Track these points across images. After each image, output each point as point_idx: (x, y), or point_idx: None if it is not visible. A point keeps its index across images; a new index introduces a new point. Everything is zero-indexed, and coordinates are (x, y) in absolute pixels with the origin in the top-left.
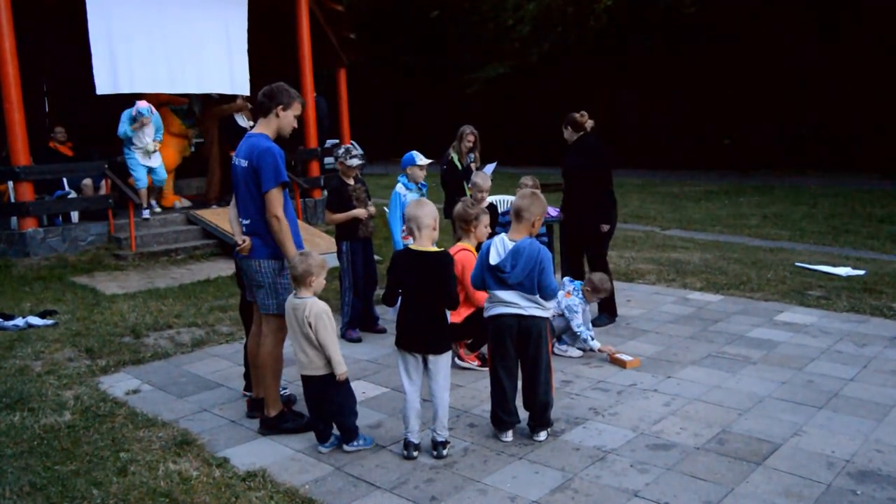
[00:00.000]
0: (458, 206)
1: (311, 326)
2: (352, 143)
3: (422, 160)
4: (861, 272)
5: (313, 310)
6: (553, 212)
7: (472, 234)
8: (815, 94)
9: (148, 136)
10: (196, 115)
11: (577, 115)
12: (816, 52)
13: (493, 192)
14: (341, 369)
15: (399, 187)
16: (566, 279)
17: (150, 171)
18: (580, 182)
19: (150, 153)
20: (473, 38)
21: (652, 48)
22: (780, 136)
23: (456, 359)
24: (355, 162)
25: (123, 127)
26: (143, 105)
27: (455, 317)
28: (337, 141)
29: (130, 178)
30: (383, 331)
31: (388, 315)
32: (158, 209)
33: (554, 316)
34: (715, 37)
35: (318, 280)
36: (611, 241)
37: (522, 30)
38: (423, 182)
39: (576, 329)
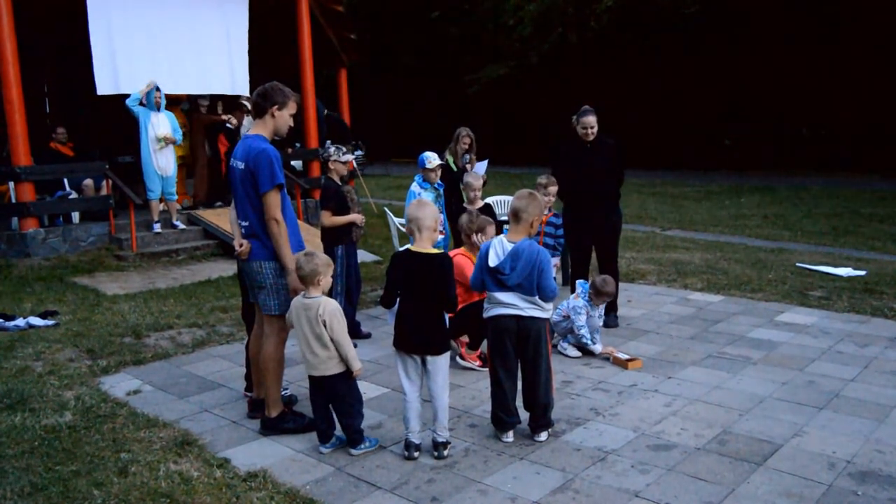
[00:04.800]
0: (463, 218)
1: (325, 325)
2: (354, 142)
3: (430, 163)
4: (862, 273)
5: (327, 308)
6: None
7: (476, 247)
8: (815, 94)
9: (163, 125)
10: (185, 114)
11: None
12: (817, 52)
13: (491, 192)
14: (357, 365)
15: (414, 186)
16: (580, 282)
17: (162, 180)
18: (605, 182)
19: (162, 146)
20: (474, 39)
21: (652, 48)
22: (780, 136)
23: (458, 358)
24: (349, 157)
25: (133, 98)
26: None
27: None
28: (329, 142)
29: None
30: (368, 336)
31: (385, 316)
32: (182, 225)
33: (563, 318)
34: (715, 37)
35: (325, 279)
36: None
37: (523, 30)
38: (439, 182)
39: (576, 330)
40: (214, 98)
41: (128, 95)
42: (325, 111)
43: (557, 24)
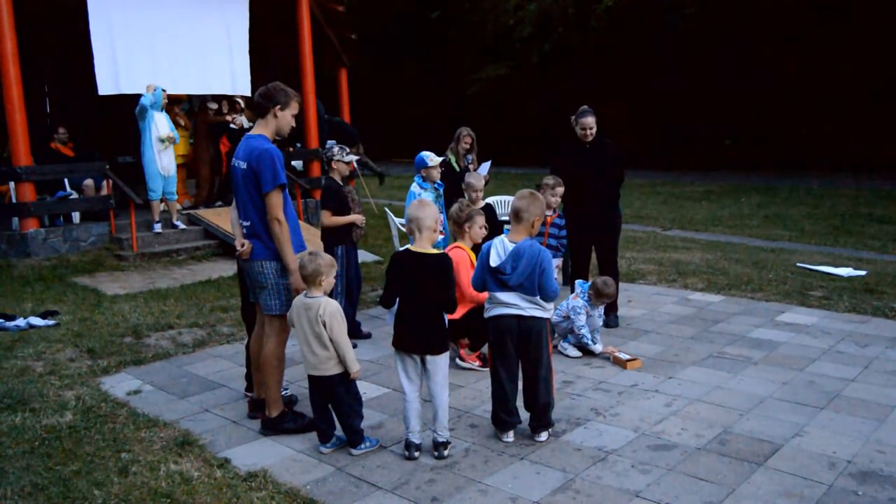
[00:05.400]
0: (453, 208)
1: (325, 325)
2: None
3: (432, 161)
4: (862, 272)
5: (328, 309)
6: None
7: (466, 235)
8: (816, 94)
9: (163, 127)
10: (185, 114)
11: None
12: (817, 52)
13: (492, 192)
14: (355, 367)
15: (414, 186)
16: (578, 282)
17: (164, 180)
18: (604, 182)
19: (166, 146)
20: (474, 39)
21: (652, 48)
22: (779, 137)
23: (457, 360)
24: (352, 158)
25: (145, 100)
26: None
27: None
28: (334, 141)
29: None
30: (368, 336)
31: (384, 317)
32: (183, 225)
33: (563, 318)
34: (715, 37)
35: (328, 279)
36: None
37: (523, 30)
38: (439, 182)
39: (577, 330)
40: (218, 98)
41: (127, 95)
42: (326, 115)
43: (557, 24)
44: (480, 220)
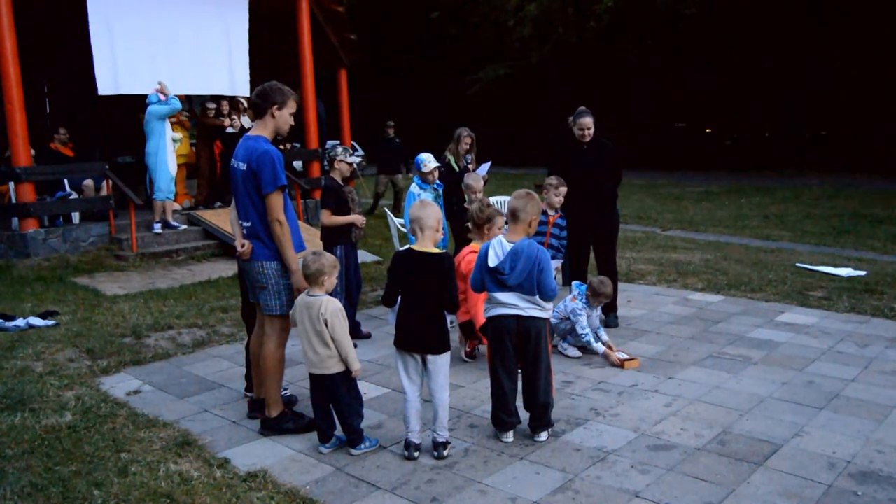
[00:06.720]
0: (474, 207)
1: (326, 324)
2: (353, 143)
3: (426, 166)
4: (862, 273)
5: (329, 307)
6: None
7: (485, 236)
8: (816, 94)
9: (169, 129)
10: (197, 115)
11: None
12: (817, 52)
13: (492, 193)
14: (356, 366)
15: (413, 187)
16: (574, 283)
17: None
18: (602, 183)
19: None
20: (474, 39)
21: (652, 49)
22: (780, 136)
23: (463, 355)
24: (356, 159)
25: (155, 107)
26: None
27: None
28: (337, 141)
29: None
30: (368, 336)
31: (385, 317)
32: (183, 227)
33: (561, 319)
34: (715, 38)
35: (330, 279)
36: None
37: (523, 31)
38: (438, 182)
39: (579, 331)
40: (217, 100)
41: (127, 95)
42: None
43: (557, 24)
44: (500, 220)
